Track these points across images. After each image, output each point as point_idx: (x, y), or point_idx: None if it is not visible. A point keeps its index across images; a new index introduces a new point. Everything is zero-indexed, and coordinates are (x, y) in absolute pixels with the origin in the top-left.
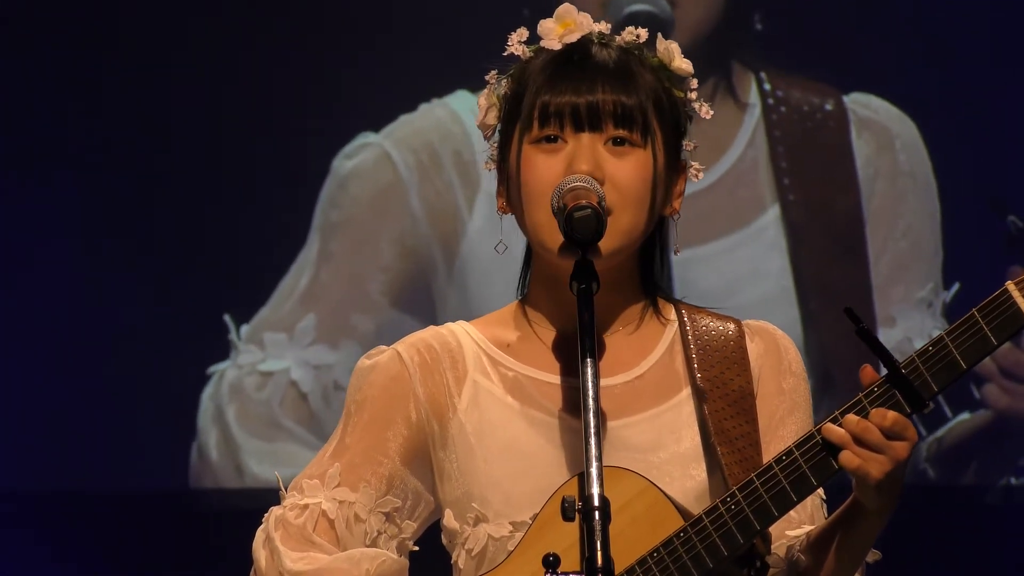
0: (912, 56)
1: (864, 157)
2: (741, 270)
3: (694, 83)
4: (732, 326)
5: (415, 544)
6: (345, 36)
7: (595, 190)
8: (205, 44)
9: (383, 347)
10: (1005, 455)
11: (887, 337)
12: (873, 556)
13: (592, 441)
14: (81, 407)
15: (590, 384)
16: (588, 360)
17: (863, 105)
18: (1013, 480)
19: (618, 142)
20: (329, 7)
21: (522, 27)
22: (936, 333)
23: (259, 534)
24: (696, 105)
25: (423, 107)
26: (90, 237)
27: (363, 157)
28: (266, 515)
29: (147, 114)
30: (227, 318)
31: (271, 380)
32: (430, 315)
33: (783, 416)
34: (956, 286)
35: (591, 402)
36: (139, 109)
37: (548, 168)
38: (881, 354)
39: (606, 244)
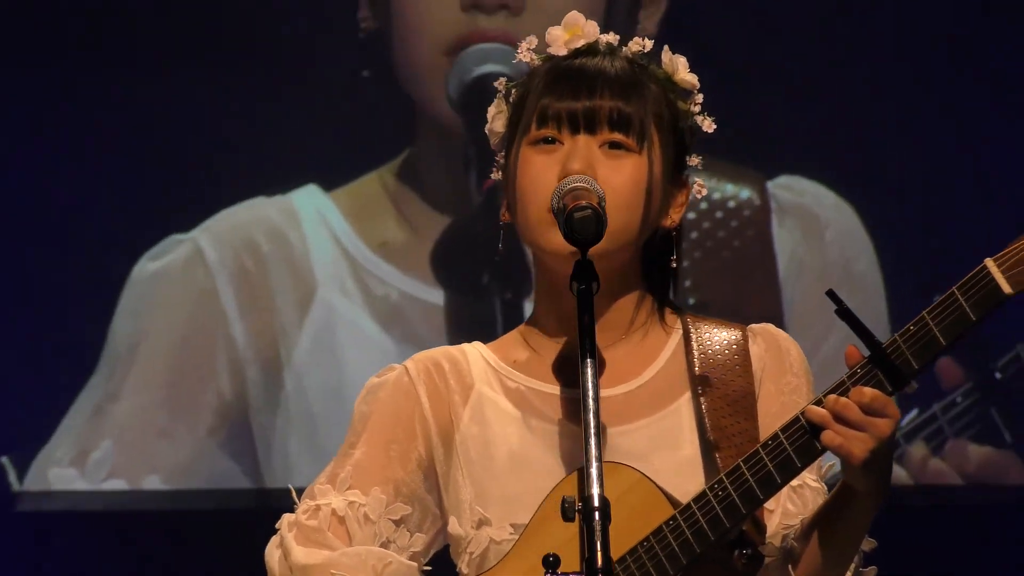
0: (846, 134)
1: (788, 250)
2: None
3: (699, 97)
4: (737, 333)
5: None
6: (165, 120)
7: (595, 190)
8: None
9: (394, 365)
10: None
11: None
12: (869, 544)
13: (592, 441)
14: None
15: (590, 385)
16: (588, 361)
17: (786, 188)
18: None
19: (614, 145)
20: (154, 79)
21: (531, 35)
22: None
23: (272, 540)
24: (699, 119)
25: (255, 200)
26: None
27: (172, 257)
28: (279, 522)
29: None
30: (5, 461)
31: None
32: (249, 453)
33: (782, 415)
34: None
35: (591, 403)
36: None
37: (543, 167)
38: (862, 334)
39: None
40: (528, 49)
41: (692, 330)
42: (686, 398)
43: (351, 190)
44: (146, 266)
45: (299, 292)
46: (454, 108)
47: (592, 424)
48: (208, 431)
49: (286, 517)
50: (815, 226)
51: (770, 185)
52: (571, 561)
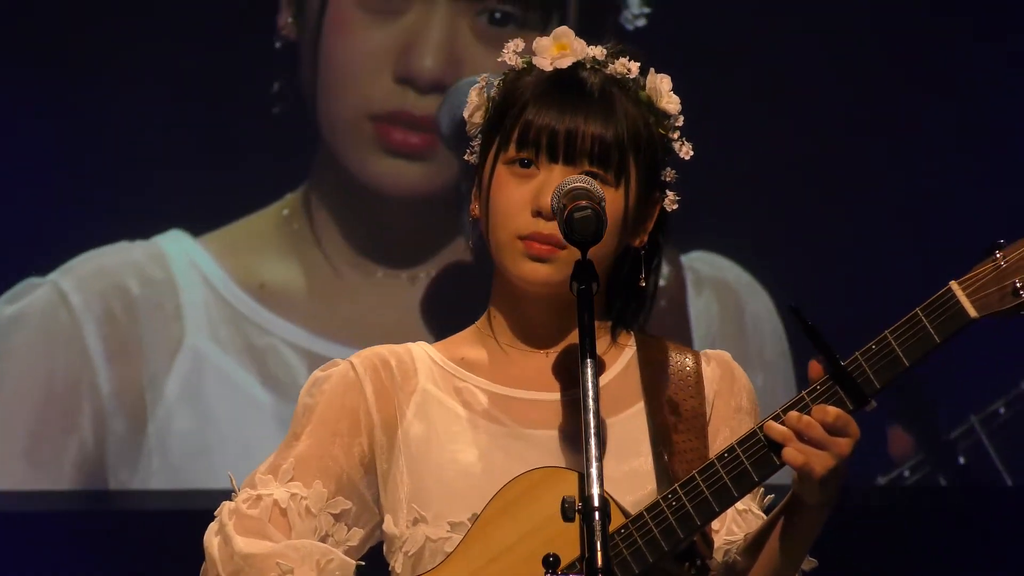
0: (760, 215)
1: (704, 324)
2: None
3: (679, 121)
4: (690, 357)
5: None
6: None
7: (595, 191)
8: None
9: (338, 360)
10: None
11: None
12: (809, 564)
13: (592, 442)
14: None
15: (590, 385)
16: (588, 361)
17: (705, 262)
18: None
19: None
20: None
21: (518, 38)
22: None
23: (211, 526)
24: (677, 145)
25: (120, 244)
26: None
27: (29, 301)
28: (218, 509)
29: None
30: None
31: None
32: (103, 500)
33: (731, 437)
34: None
35: (591, 403)
36: None
37: (516, 194)
38: (824, 351)
39: (562, 275)
40: (514, 52)
41: (646, 348)
42: (637, 409)
43: (228, 233)
44: (2, 310)
45: (169, 340)
46: (445, 143)
47: (592, 424)
48: (70, 485)
49: (226, 505)
50: (733, 301)
51: (684, 259)
52: (522, 561)
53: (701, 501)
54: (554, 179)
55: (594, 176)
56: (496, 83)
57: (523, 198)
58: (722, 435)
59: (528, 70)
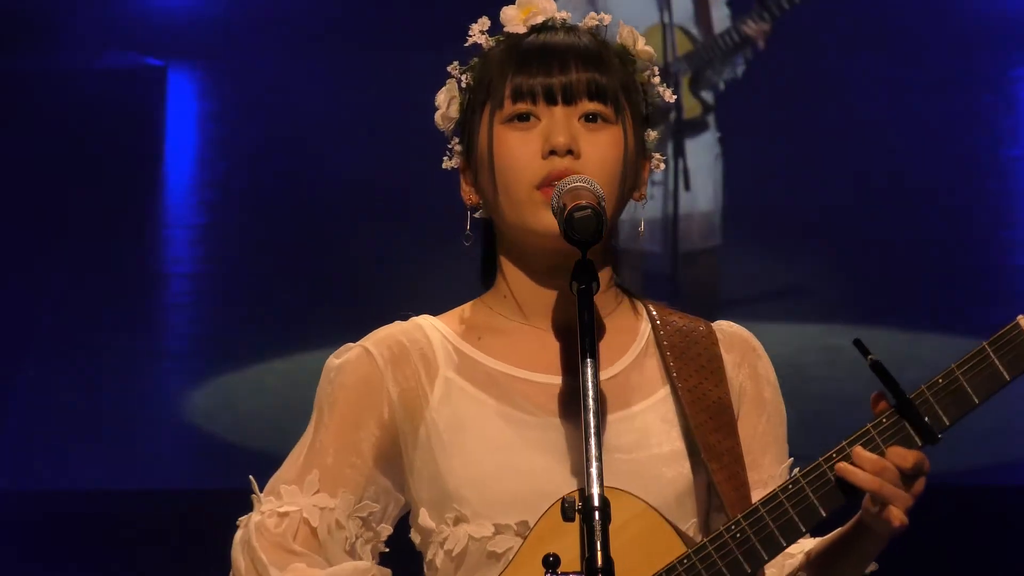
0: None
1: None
2: None
3: (656, 68)
4: (703, 327)
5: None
6: None
7: (595, 190)
8: None
9: (351, 344)
10: None
11: None
12: (870, 567)
13: (592, 441)
14: None
15: (590, 384)
16: (588, 360)
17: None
18: None
19: (591, 117)
20: None
21: (483, 17)
22: None
23: (237, 540)
24: (659, 89)
25: None
26: None
27: None
28: (243, 519)
29: None
30: None
31: None
32: None
33: (767, 429)
34: None
35: (591, 402)
36: None
37: (523, 145)
38: (891, 386)
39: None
40: (480, 31)
41: (660, 322)
42: (663, 394)
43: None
44: None
45: None
46: None
47: (592, 424)
48: None
49: (252, 519)
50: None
51: None
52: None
53: (767, 536)
54: (557, 119)
55: (594, 116)
56: (465, 72)
57: (531, 148)
58: (760, 428)
59: (501, 44)
